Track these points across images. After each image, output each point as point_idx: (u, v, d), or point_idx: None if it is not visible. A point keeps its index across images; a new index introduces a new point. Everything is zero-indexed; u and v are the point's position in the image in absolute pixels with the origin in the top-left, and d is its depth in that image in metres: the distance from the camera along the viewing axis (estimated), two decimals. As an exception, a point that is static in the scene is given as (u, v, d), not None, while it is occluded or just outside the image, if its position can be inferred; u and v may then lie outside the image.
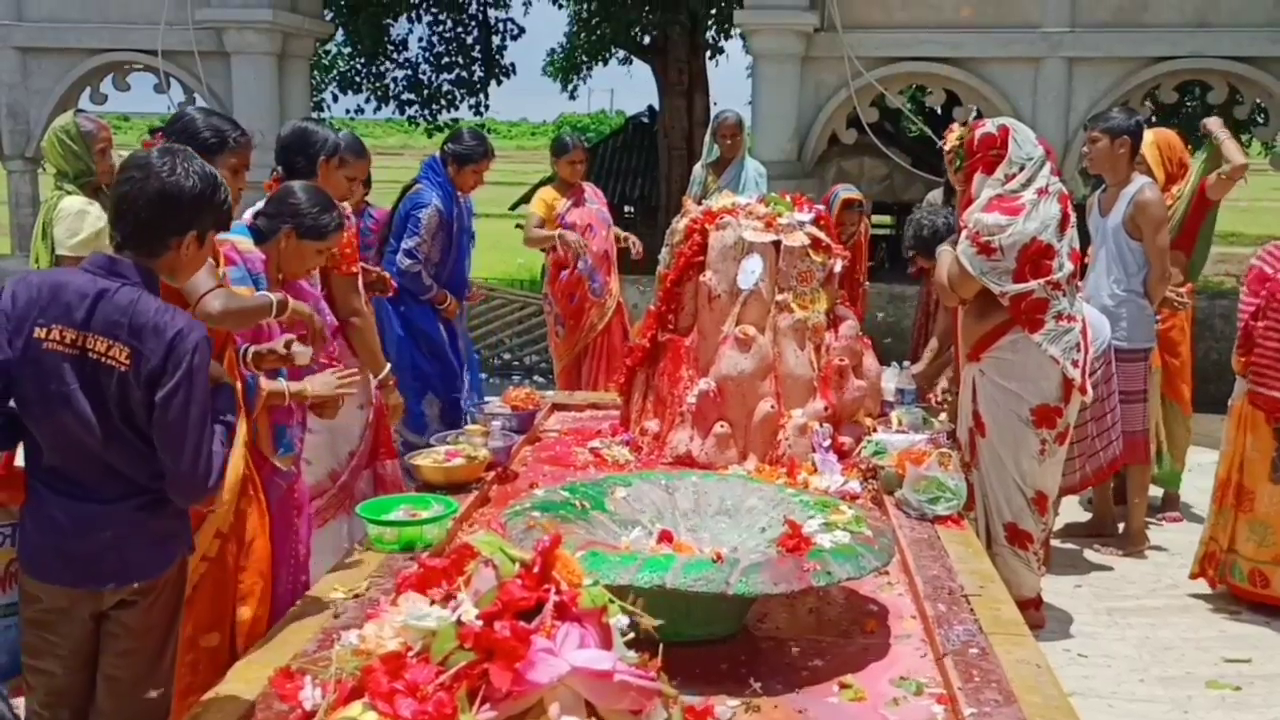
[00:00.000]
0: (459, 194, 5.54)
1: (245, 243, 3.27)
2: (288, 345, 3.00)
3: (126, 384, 2.27)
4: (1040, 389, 4.01)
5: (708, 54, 15.93)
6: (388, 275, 4.54)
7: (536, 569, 1.75)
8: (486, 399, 5.04)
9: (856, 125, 8.60)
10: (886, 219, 20.49)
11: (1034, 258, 3.91)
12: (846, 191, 5.98)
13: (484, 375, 11.34)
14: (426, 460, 3.88)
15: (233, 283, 3.00)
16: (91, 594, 2.39)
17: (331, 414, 3.34)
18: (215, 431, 2.37)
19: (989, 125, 4.10)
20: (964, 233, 4.00)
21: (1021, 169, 3.98)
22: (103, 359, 2.26)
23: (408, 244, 5.32)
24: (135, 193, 2.34)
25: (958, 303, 4.15)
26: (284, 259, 3.35)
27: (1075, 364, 3.97)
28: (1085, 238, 4.63)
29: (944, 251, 4.18)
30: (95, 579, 2.37)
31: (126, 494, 2.33)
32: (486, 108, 16.98)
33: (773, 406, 4.29)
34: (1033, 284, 3.92)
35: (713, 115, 7.14)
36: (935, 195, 5.91)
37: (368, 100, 16.48)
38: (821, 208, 4.77)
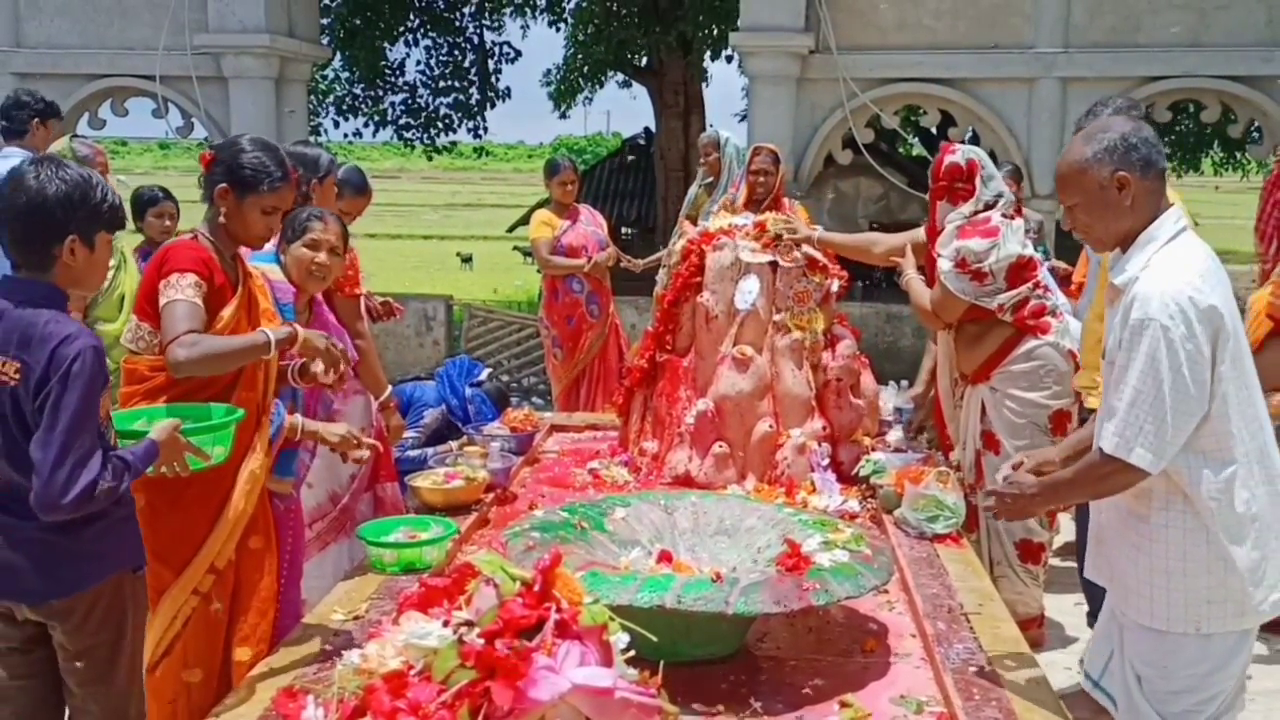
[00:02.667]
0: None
1: (275, 272, 3.31)
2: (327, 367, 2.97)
3: (18, 399, 2.28)
4: (1062, 390, 4.08)
5: (699, 77, 16.01)
6: (393, 302, 4.56)
7: (537, 587, 1.76)
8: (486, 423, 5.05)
9: (852, 146, 8.66)
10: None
11: (1019, 270, 4.02)
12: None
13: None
14: (426, 482, 3.89)
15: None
16: (11, 607, 2.39)
17: (346, 457, 3.40)
18: (98, 457, 2.26)
19: (957, 155, 4.14)
20: (945, 260, 4.02)
21: (988, 208, 4.06)
22: None
23: None
24: (6, 209, 2.33)
25: (941, 327, 4.20)
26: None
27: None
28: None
29: (912, 279, 4.21)
30: (8, 594, 2.37)
31: (32, 512, 2.27)
32: (485, 130, 17.03)
33: (771, 426, 4.31)
34: (1023, 289, 4.00)
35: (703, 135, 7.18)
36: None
37: (366, 124, 16.54)
38: (819, 228, 4.78)
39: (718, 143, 6.75)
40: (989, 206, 4.05)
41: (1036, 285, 4.03)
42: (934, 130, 9.77)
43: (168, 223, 5.45)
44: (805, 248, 4.52)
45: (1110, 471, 2.37)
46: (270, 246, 3.44)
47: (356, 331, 4.05)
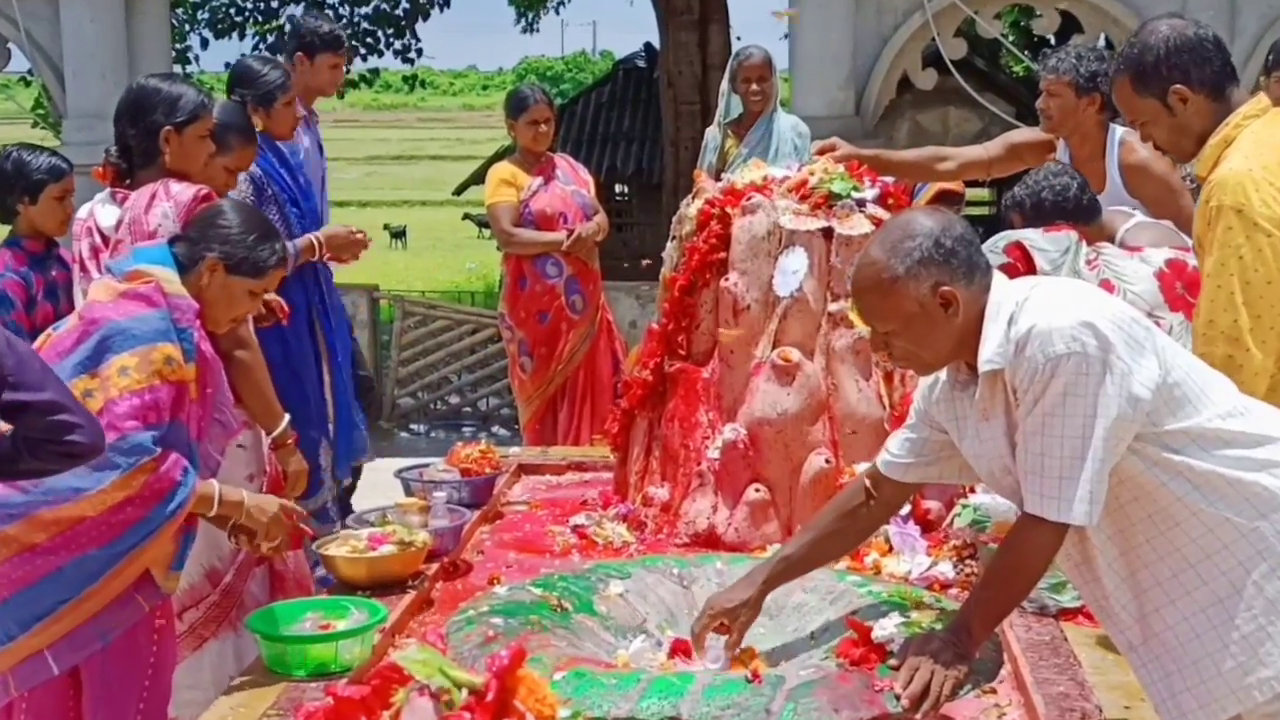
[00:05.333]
0: (279, 144, 5.54)
1: (173, 281, 3.41)
2: None
3: None
4: None
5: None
6: (279, 301, 4.59)
7: (491, 697, 1.76)
8: (423, 463, 5.04)
9: (937, 64, 8.67)
10: (983, 194, 20.58)
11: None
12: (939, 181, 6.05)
13: (423, 427, 11.46)
14: (343, 549, 3.88)
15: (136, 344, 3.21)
16: None
17: (258, 547, 3.52)
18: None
19: (993, 257, 4.26)
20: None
21: (1055, 274, 4.15)
22: None
23: None
24: None
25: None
26: (207, 300, 3.51)
27: None
28: None
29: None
30: None
31: None
32: (419, 52, 17.09)
33: (828, 461, 4.31)
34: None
35: (733, 54, 7.18)
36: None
37: (256, 47, 16.59)
38: (889, 181, 4.80)
39: (770, 65, 6.76)
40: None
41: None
42: (1051, 40, 9.79)
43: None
44: (871, 207, 4.52)
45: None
46: (159, 227, 3.70)
47: (239, 339, 4.05)
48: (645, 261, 15.83)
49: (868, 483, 3.18)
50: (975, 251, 2.78)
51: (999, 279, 2.82)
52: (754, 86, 6.82)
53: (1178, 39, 3.44)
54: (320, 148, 6.21)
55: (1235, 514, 2.60)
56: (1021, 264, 4.28)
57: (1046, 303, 2.68)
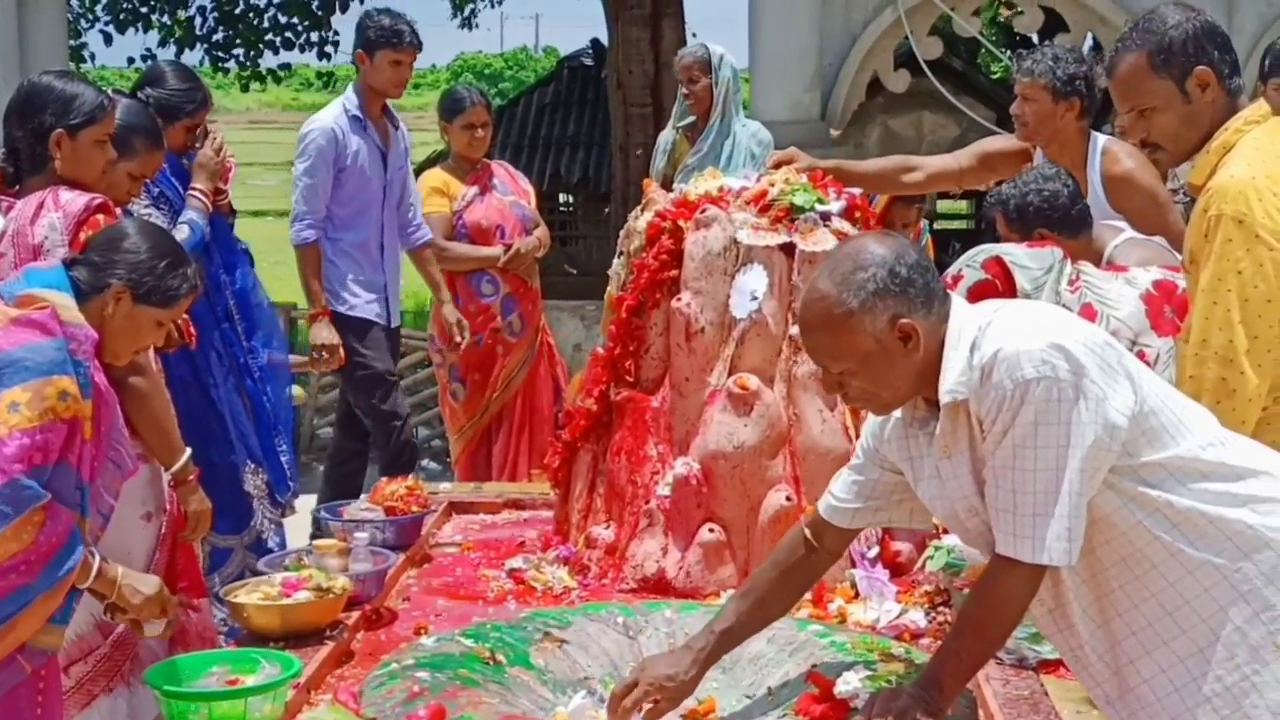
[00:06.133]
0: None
1: (69, 308, 3.39)
2: None
3: None
4: None
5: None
6: (187, 321, 4.57)
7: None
8: (344, 500, 5.02)
9: (910, 65, 8.73)
10: (960, 206, 20.74)
11: None
12: None
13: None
14: (253, 596, 3.86)
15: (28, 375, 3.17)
16: None
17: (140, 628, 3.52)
18: None
19: (970, 272, 4.29)
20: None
21: (1036, 294, 4.22)
22: None
23: None
24: None
25: None
26: (110, 331, 3.53)
27: None
28: None
29: None
30: None
31: None
32: (335, 45, 17.05)
33: (789, 498, 4.32)
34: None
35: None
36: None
37: (163, 43, 16.51)
38: (855, 192, 4.82)
39: (708, 63, 6.78)
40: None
41: None
42: (1034, 38, 9.88)
43: None
44: (836, 221, 4.54)
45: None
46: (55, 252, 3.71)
47: (136, 366, 4.02)
48: (591, 279, 15.81)
49: (808, 533, 3.17)
50: (932, 278, 2.80)
51: (958, 304, 2.83)
52: (684, 89, 6.84)
53: (1203, 21, 3.44)
54: (404, 152, 6.57)
55: (1216, 555, 2.62)
56: (1001, 281, 4.30)
57: (1012, 326, 2.70)
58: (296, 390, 6.81)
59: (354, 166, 6.26)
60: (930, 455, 2.83)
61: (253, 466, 5.47)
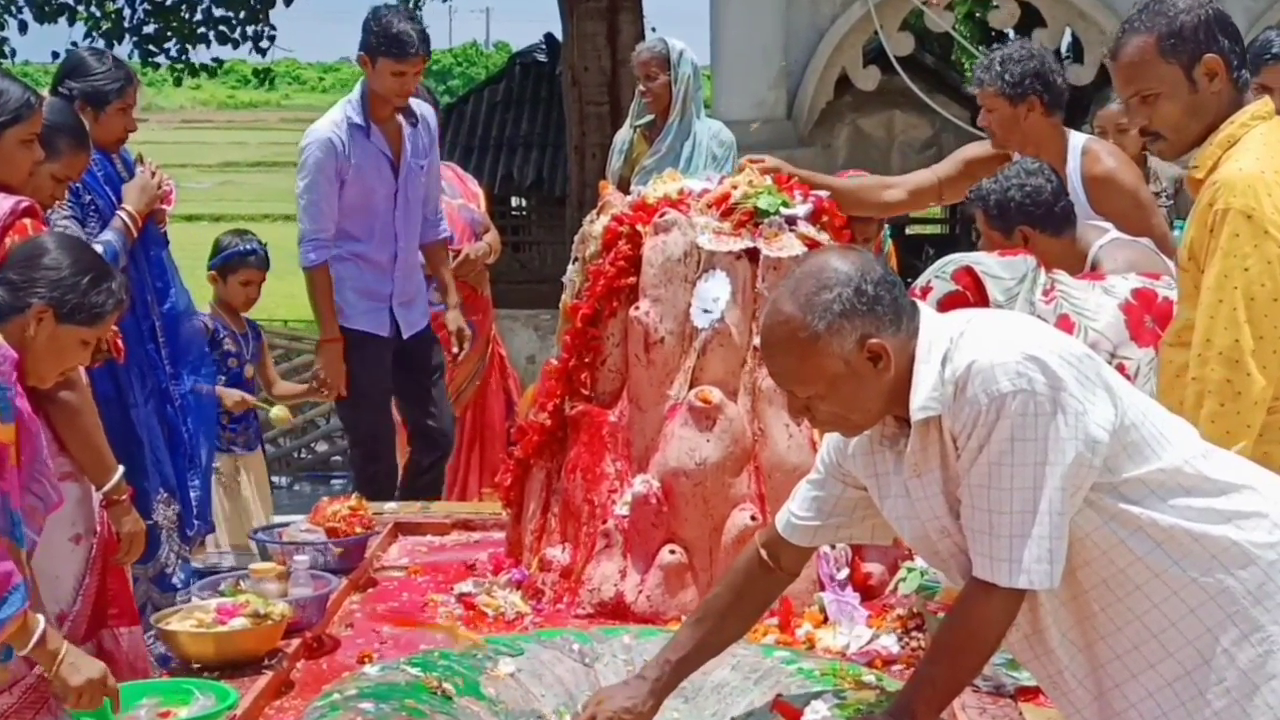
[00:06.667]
0: (112, 156, 5.53)
1: None
2: None
3: None
4: None
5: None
6: (116, 334, 4.56)
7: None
8: (283, 521, 5.01)
9: (881, 62, 8.76)
10: (934, 211, 20.75)
11: None
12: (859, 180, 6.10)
13: (285, 480, 11.35)
14: (186, 623, 3.85)
15: None
16: None
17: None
18: None
19: (939, 284, 4.33)
20: None
21: (1009, 305, 4.26)
22: None
23: None
24: None
25: None
26: (32, 352, 3.57)
27: None
28: None
29: None
30: None
31: None
32: (272, 40, 16.99)
33: (754, 517, 4.33)
34: None
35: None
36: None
37: (88, 35, 16.41)
38: (823, 195, 4.85)
39: (667, 59, 6.80)
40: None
41: None
42: (1011, 33, 9.93)
43: None
44: (802, 225, 4.56)
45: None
46: None
47: (64, 379, 4.02)
48: (545, 287, 15.79)
49: (764, 554, 3.15)
50: (900, 293, 2.79)
51: (927, 315, 2.82)
52: (641, 86, 6.84)
53: (1215, 9, 3.45)
54: (423, 150, 6.39)
55: (1201, 573, 2.64)
56: (972, 292, 4.32)
57: (985, 337, 2.70)
58: (278, 411, 6.81)
59: (355, 178, 6.15)
60: (898, 473, 2.83)
61: (165, 496, 5.42)
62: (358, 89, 6.26)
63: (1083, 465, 2.61)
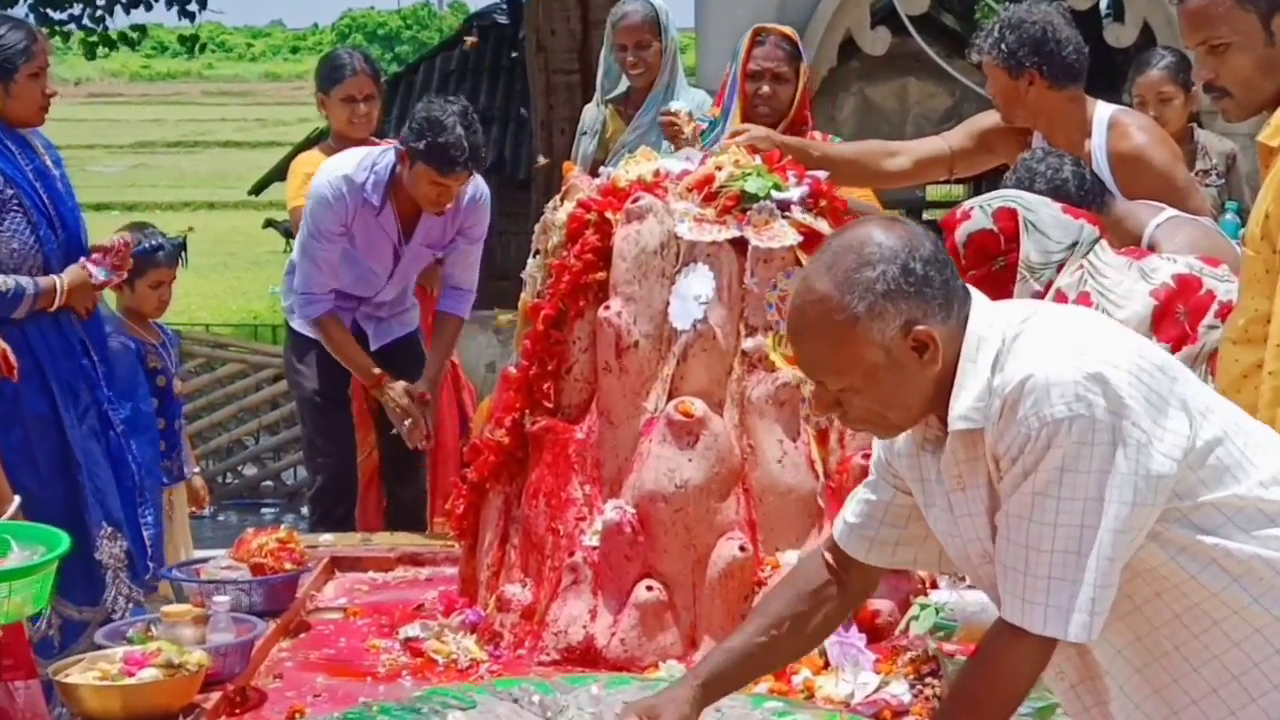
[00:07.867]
0: (20, 132, 5.52)
1: None
2: None
3: None
4: None
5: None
6: (4, 350, 4.56)
7: None
8: (202, 557, 5.00)
9: (891, 23, 8.78)
10: (955, 192, 20.81)
11: None
12: None
13: (207, 509, 11.34)
14: (89, 675, 3.84)
15: None
16: None
17: None
18: None
19: (979, 214, 4.29)
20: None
21: (1044, 272, 4.24)
22: None
23: None
24: None
25: None
26: None
27: None
28: None
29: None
30: None
31: None
32: (202, 4, 17.03)
33: (743, 548, 4.33)
34: None
35: (612, 10, 7.22)
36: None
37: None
38: (820, 175, 4.84)
39: (658, 23, 6.80)
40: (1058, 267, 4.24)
41: None
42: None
43: None
44: (797, 211, 4.56)
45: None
46: None
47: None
48: (506, 283, 15.81)
49: (830, 557, 3.06)
50: (953, 274, 2.72)
51: (979, 303, 2.76)
52: (630, 55, 6.84)
53: None
54: (439, 238, 6.34)
55: None
56: (1006, 239, 4.25)
57: (1045, 343, 2.65)
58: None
59: (350, 249, 6.11)
60: (940, 483, 2.79)
61: (109, 530, 5.42)
62: (387, 166, 6.07)
63: (1143, 506, 2.56)
